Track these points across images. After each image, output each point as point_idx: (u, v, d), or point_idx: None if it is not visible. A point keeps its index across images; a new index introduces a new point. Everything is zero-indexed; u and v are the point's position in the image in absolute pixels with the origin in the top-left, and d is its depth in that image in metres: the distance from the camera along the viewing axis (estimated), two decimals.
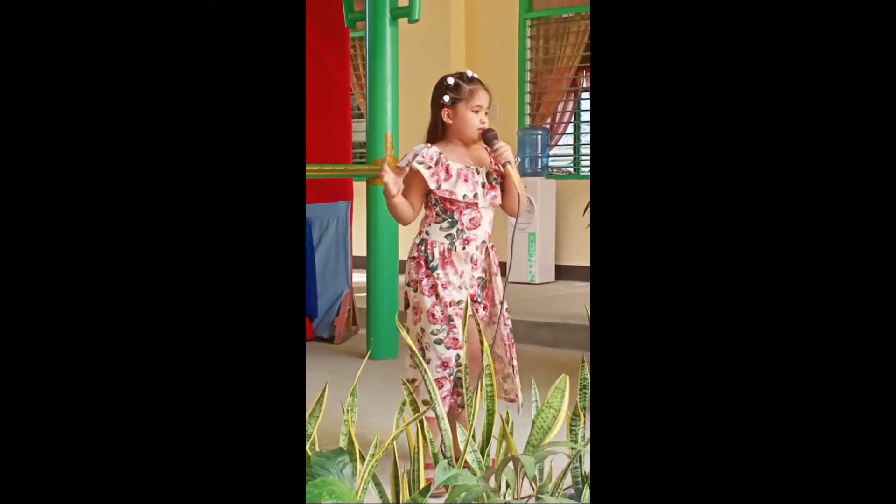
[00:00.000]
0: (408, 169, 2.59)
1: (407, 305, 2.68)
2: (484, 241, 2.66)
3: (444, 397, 2.56)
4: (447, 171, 2.58)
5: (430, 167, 2.57)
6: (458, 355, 2.56)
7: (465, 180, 2.59)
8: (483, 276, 2.66)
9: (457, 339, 2.57)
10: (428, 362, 2.56)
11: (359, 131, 6.14)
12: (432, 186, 2.56)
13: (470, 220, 2.62)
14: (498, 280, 2.68)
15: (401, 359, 3.46)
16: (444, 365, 2.57)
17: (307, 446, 1.38)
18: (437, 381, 2.56)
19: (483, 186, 2.63)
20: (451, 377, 2.57)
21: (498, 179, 2.67)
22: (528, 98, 7.21)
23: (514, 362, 2.66)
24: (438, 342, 2.58)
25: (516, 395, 2.62)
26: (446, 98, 2.60)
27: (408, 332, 2.61)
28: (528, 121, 7.21)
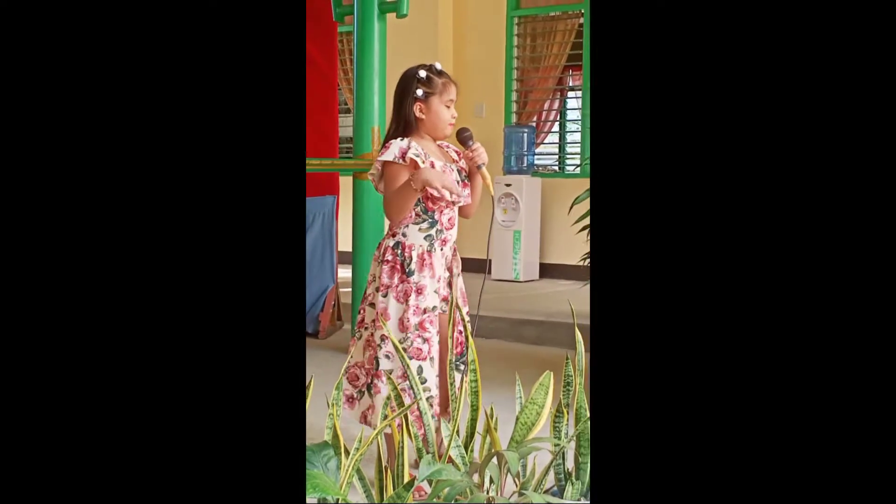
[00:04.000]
0: (409, 162, 2.38)
1: (364, 309, 2.49)
2: (454, 241, 2.55)
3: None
4: (432, 167, 2.42)
5: (424, 162, 2.41)
6: (420, 367, 2.38)
7: None
8: (448, 276, 2.52)
9: (420, 350, 2.39)
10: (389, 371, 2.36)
11: (345, 126, 6.13)
12: None
13: (448, 219, 2.49)
14: (458, 280, 2.55)
15: None
16: (403, 376, 2.34)
17: None
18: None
19: (458, 184, 2.47)
20: (408, 389, 2.30)
21: (466, 177, 2.52)
22: (514, 96, 7.21)
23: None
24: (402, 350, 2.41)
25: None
26: (419, 92, 2.45)
27: (359, 338, 2.45)
28: (514, 118, 7.22)
